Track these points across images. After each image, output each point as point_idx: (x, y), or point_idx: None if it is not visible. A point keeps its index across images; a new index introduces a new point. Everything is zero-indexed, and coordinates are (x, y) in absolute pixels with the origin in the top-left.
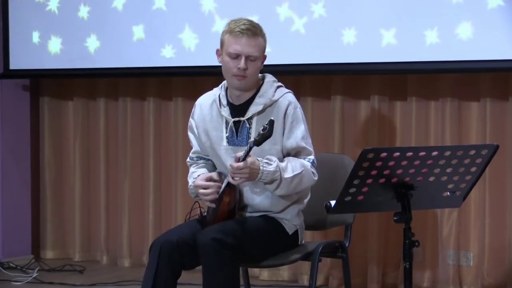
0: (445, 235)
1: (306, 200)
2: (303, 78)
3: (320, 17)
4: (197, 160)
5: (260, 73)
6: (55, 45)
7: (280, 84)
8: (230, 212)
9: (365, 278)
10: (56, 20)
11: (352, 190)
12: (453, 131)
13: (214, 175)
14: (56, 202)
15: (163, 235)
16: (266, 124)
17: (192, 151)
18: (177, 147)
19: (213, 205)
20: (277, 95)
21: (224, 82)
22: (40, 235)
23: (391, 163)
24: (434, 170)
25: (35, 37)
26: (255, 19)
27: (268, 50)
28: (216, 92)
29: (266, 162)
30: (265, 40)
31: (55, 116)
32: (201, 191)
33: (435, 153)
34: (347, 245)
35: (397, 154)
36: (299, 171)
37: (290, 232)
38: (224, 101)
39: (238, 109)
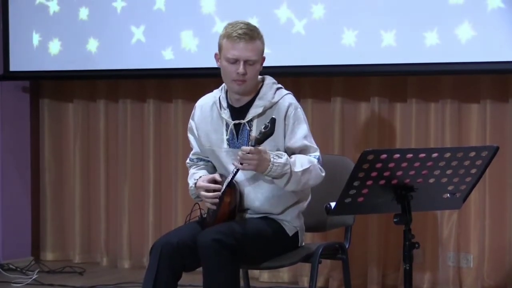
0: (445, 236)
1: (306, 203)
2: (303, 80)
3: (320, 19)
4: (197, 162)
5: (260, 74)
6: (55, 47)
7: (279, 85)
8: (230, 213)
9: (365, 279)
10: (56, 21)
11: (352, 191)
12: (453, 133)
13: (217, 176)
14: (56, 203)
15: (164, 237)
16: (268, 122)
17: (192, 152)
18: (177, 148)
19: (214, 207)
20: (277, 97)
21: (224, 84)
22: (40, 236)
23: (391, 164)
24: (434, 171)
25: (35, 38)
26: (255, 21)
27: (267, 52)
28: (216, 94)
29: (276, 155)
30: (262, 43)
31: (55, 118)
32: (203, 193)
33: (435, 154)
34: (347, 246)
35: (397, 155)
36: (307, 166)
37: (291, 233)
38: (224, 104)
39: (238, 112)
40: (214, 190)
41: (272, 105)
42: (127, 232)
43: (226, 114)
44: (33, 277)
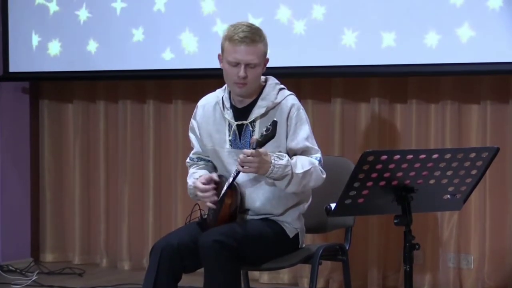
0: (445, 238)
1: (307, 204)
2: (303, 81)
3: (320, 20)
4: (197, 161)
5: (263, 75)
6: (55, 47)
7: (282, 86)
8: (231, 214)
9: (366, 281)
10: (56, 22)
11: (353, 193)
12: (454, 134)
13: (214, 176)
14: (55, 204)
15: (164, 238)
16: (269, 125)
17: (192, 152)
18: (177, 149)
19: (214, 206)
20: (280, 98)
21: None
22: (39, 238)
23: (392, 165)
24: (435, 172)
25: (35, 39)
26: (255, 21)
27: (268, 52)
28: (219, 94)
29: (277, 157)
30: (265, 45)
31: (54, 118)
32: (199, 193)
33: (435, 155)
34: (347, 248)
35: (398, 156)
36: (308, 168)
37: (291, 235)
38: (227, 104)
39: (241, 112)
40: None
41: (275, 106)
42: (126, 233)
43: (229, 114)
44: (33, 279)
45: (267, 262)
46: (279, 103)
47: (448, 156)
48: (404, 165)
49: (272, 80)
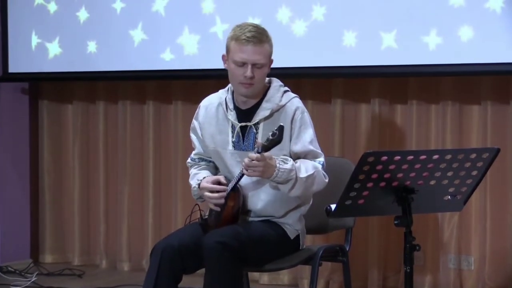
0: (446, 239)
1: (308, 206)
2: (303, 82)
3: (320, 20)
4: (198, 162)
5: (267, 77)
6: (54, 48)
7: (286, 88)
8: (233, 216)
9: (366, 282)
10: (56, 23)
11: (353, 193)
12: (454, 135)
13: (221, 178)
14: (55, 205)
15: (164, 239)
16: (276, 130)
17: (193, 152)
18: (177, 150)
19: (218, 208)
20: (284, 100)
21: (230, 85)
22: (39, 239)
23: (392, 166)
24: (435, 173)
25: (34, 40)
26: (255, 22)
27: None
28: (222, 95)
29: (282, 161)
30: (271, 45)
31: (54, 119)
32: (207, 194)
33: (436, 156)
34: (347, 249)
35: (398, 157)
36: (312, 172)
37: (292, 236)
38: (231, 105)
39: (244, 114)
40: (219, 192)
41: (280, 108)
42: (126, 234)
43: (232, 116)
44: (32, 280)
45: (268, 263)
46: (284, 105)
47: (448, 157)
48: (405, 166)
49: (276, 82)
